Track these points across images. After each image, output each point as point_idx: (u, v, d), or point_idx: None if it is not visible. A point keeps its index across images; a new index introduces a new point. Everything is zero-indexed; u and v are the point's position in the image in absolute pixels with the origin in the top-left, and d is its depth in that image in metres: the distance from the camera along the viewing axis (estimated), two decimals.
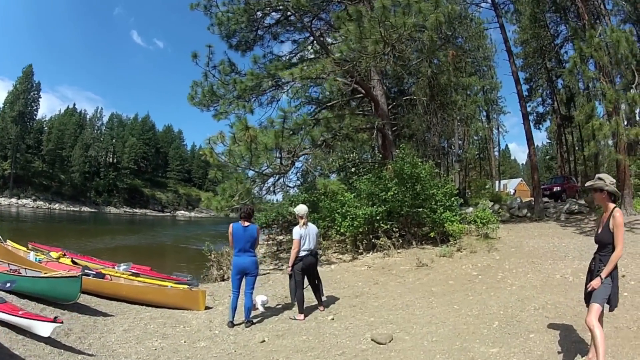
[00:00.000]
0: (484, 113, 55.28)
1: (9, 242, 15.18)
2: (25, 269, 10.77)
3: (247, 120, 14.72)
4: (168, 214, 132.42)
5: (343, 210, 17.20)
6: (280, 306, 10.76)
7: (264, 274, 15.41)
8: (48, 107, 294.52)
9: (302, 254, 9.57)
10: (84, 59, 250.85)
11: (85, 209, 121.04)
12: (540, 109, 52.68)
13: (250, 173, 16.64)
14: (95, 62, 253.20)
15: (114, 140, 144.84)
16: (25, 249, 15.02)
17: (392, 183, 17.19)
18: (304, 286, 9.73)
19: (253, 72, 19.26)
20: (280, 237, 23.03)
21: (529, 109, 47.66)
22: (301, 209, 9.89)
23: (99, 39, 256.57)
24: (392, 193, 16.92)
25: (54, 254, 14.15)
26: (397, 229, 16.77)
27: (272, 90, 20.17)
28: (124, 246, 35.89)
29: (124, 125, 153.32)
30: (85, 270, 11.58)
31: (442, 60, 27.47)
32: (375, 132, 20.24)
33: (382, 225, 16.83)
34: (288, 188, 22.71)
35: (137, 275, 13.30)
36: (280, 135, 15.07)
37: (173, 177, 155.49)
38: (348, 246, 17.60)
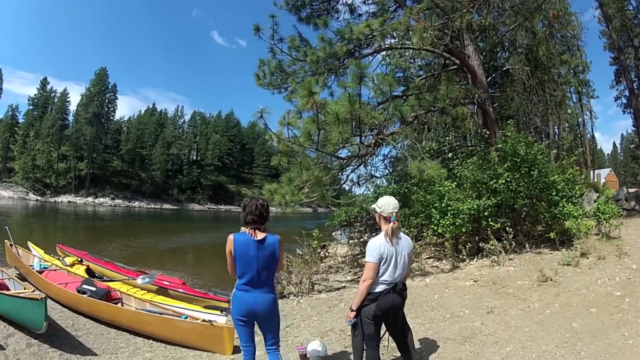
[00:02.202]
0: (574, 97, 50.95)
1: (29, 244, 14.60)
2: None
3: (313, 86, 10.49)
4: (280, 209, 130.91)
5: (442, 205, 13.09)
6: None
7: (337, 289, 12.25)
8: (130, 109, 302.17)
9: (379, 288, 5.14)
10: (165, 61, 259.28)
11: (167, 206, 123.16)
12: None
13: (326, 158, 13.01)
14: (177, 63, 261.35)
15: (197, 138, 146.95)
16: (42, 252, 13.86)
17: (503, 168, 13.45)
18: (381, 337, 5.44)
19: (324, 37, 16.24)
20: (365, 237, 19.34)
21: (616, 93, 49.32)
22: (387, 203, 5.29)
23: (180, 40, 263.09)
24: (503, 181, 13.07)
25: (68, 260, 12.57)
26: (510, 229, 12.93)
27: (348, 58, 16.50)
28: (194, 245, 34.74)
29: (207, 122, 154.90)
30: (84, 286, 9.83)
31: (537, 31, 24.56)
32: (475, 107, 16.85)
33: (491, 223, 12.93)
34: (374, 178, 19.25)
35: (163, 291, 11.11)
36: (357, 102, 10.83)
37: (259, 173, 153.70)
38: (447, 251, 13.90)
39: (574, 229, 12.38)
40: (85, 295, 9.36)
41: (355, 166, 14.78)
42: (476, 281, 11.13)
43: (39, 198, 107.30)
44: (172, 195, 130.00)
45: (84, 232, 43.67)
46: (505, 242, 12.63)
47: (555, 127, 44.83)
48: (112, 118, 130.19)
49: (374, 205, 5.51)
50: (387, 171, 20.73)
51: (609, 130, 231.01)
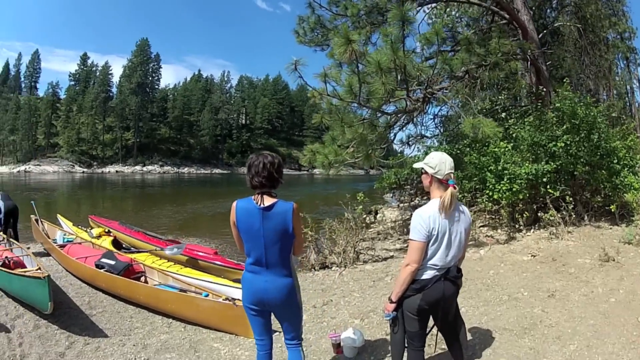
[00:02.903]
0: (622, 63, 49.45)
1: (59, 217, 14.63)
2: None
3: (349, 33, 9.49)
4: (305, 172, 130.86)
5: (497, 168, 11.87)
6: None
7: (384, 259, 11.27)
8: (176, 77, 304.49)
9: (426, 275, 3.84)
10: (209, 28, 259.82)
11: (217, 171, 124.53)
12: None
13: (370, 114, 12.22)
14: (221, 30, 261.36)
15: (245, 102, 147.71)
16: (70, 224, 13.72)
17: (561, 130, 12.21)
18: (427, 334, 4.20)
19: None
20: (416, 201, 18.92)
21: None
22: (443, 162, 3.92)
23: (222, 7, 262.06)
24: (562, 144, 11.77)
25: (95, 231, 12.10)
26: (570, 198, 11.70)
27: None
28: None
29: (255, 86, 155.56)
30: (102, 260, 9.20)
31: None
32: (528, 64, 15.60)
33: (549, 191, 11.74)
34: (424, 138, 18.41)
35: (193, 262, 10.71)
36: (401, 49, 9.61)
37: (310, 135, 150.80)
38: (503, 219, 12.80)
39: (635, 202, 11.48)
40: (102, 270, 8.83)
41: (403, 123, 14.04)
42: (534, 256, 10.15)
43: (85, 170, 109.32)
44: (222, 160, 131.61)
45: (131, 200, 43.66)
46: (564, 212, 11.54)
47: (604, 93, 43.68)
48: (157, 87, 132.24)
49: (421, 164, 3.96)
50: (437, 131, 19.89)
51: None
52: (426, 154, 17.19)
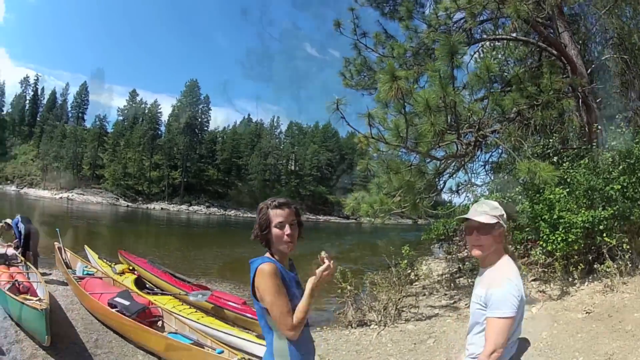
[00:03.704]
0: None
1: (86, 248, 15.02)
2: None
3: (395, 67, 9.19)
4: (353, 220, 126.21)
5: (552, 217, 11.02)
6: None
7: (428, 318, 10.70)
8: (226, 120, 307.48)
9: (507, 355, 3.01)
10: (259, 74, 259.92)
11: None
12: None
13: (418, 159, 11.73)
14: (274, 76, 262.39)
15: (294, 148, 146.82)
16: (96, 256, 14.10)
17: (617, 171, 11.42)
18: None
19: (409, 24, 15.18)
20: (464, 254, 18.08)
21: None
22: (503, 210, 3.31)
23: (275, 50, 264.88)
24: (618, 186, 10.95)
25: (119, 267, 12.30)
26: (627, 246, 10.68)
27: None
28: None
29: (305, 133, 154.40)
30: (117, 299, 8.97)
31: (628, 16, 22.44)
32: (579, 102, 14.70)
33: (606, 239, 10.70)
34: (474, 186, 17.80)
35: (219, 310, 10.56)
36: (451, 85, 9.17)
37: (359, 184, 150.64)
38: (557, 272, 11.49)
39: None
40: (114, 310, 8.56)
41: (453, 170, 13.55)
42: (589, 313, 9.25)
43: (129, 204, 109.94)
44: None
45: (172, 237, 44.25)
46: (620, 262, 10.60)
47: None
48: (206, 128, 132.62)
49: (491, 216, 3.16)
50: (488, 178, 19.37)
51: None
52: (475, 202, 16.70)
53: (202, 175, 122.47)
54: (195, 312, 9.70)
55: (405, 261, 12.10)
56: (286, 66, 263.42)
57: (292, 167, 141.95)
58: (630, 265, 10.59)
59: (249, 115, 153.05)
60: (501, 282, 2.97)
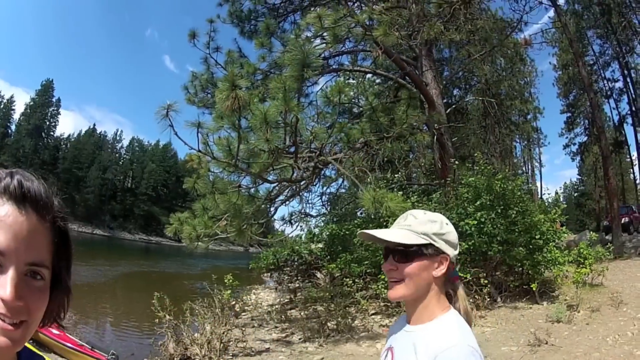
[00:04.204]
0: (519, 145, 51.31)
1: None
2: None
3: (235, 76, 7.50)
4: (184, 244, 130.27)
5: None
6: None
7: (258, 353, 9.87)
8: (74, 126, 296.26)
9: None
10: (111, 80, 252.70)
11: (98, 231, 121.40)
12: (580, 139, 52.04)
13: (247, 180, 10.60)
14: (124, 84, 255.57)
15: (133, 165, 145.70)
16: None
17: (474, 207, 11.50)
18: None
19: (264, 42, 14.21)
20: (296, 284, 17.75)
21: (565, 140, 52.59)
22: (453, 230, 1.96)
23: (130, 60, 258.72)
24: (475, 222, 11.07)
25: None
26: (485, 280, 11.05)
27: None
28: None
29: (145, 150, 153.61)
30: None
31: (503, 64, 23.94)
32: (434, 138, 14.64)
33: (460, 274, 10.43)
34: (308, 217, 17.03)
35: (35, 333, 8.31)
36: (295, 100, 8.03)
37: (191, 208, 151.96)
38: (403, 307, 11.02)
39: (560, 278, 11.67)
40: None
41: (287, 196, 12.59)
42: None
43: None
44: (104, 222, 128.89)
45: None
46: (476, 296, 10.97)
47: (509, 172, 44.93)
48: (52, 133, 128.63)
49: (423, 226, 1.88)
50: (324, 210, 18.88)
51: (552, 179, 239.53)
52: (310, 233, 15.77)
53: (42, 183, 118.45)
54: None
55: (229, 291, 11.24)
56: (141, 76, 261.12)
57: (129, 185, 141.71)
58: (488, 299, 11.17)
59: (94, 125, 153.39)
60: (463, 352, 1.75)
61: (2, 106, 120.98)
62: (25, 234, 1.02)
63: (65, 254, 1.17)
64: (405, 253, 1.83)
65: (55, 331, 9.20)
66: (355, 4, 15.98)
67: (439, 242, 1.85)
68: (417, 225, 1.86)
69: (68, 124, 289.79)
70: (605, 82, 44.13)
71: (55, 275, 1.13)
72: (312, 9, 14.70)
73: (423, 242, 1.82)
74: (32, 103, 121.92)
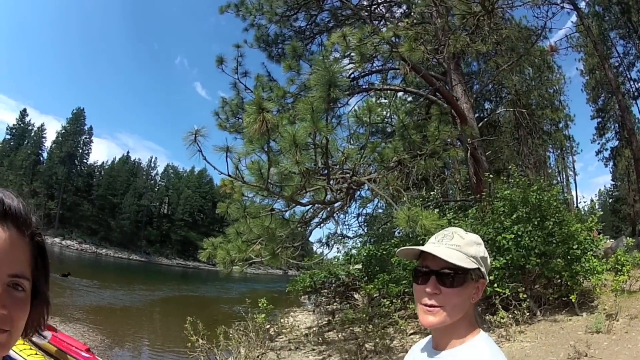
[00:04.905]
0: (553, 154, 50.59)
1: None
2: None
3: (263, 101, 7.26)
4: (221, 269, 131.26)
5: None
6: None
7: None
8: (108, 153, 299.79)
9: None
10: (144, 107, 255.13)
11: (134, 256, 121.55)
12: (612, 144, 51.76)
13: (280, 204, 10.31)
14: (156, 111, 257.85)
15: (169, 191, 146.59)
16: None
17: (510, 220, 11.21)
18: None
19: (292, 64, 13.99)
20: (334, 306, 17.62)
21: (597, 146, 51.97)
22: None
23: (162, 88, 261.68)
24: (512, 235, 10.79)
25: None
26: (524, 295, 10.58)
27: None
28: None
29: (180, 177, 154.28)
30: None
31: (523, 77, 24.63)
32: (467, 153, 14.40)
33: (498, 289, 10.62)
34: (345, 239, 16.92)
35: (62, 354, 9.54)
36: (324, 120, 7.73)
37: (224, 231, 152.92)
38: None
39: (598, 287, 11.01)
40: None
41: (321, 218, 12.25)
42: None
43: None
44: (140, 247, 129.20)
45: None
46: (515, 311, 10.48)
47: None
48: (85, 161, 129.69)
49: (471, 249, 1.82)
50: (361, 230, 18.70)
51: (587, 187, 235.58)
52: (347, 255, 15.63)
53: (77, 210, 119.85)
54: (36, 354, 8.62)
55: (263, 315, 11.20)
56: (173, 104, 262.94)
57: (165, 211, 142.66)
58: (527, 313, 10.66)
59: (128, 152, 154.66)
60: None
61: (33, 134, 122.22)
62: (7, 247, 1.11)
63: (43, 267, 1.26)
64: (453, 277, 1.73)
65: (84, 354, 9.37)
66: (381, 22, 15.98)
67: (483, 267, 1.80)
68: (465, 246, 1.77)
69: (101, 152, 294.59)
70: (631, 83, 43.65)
71: (34, 287, 1.21)
72: (337, 29, 14.58)
73: (474, 267, 1.74)
74: (63, 131, 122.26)
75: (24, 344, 8.79)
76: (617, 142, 49.23)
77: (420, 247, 1.80)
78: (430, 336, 1.98)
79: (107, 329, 16.34)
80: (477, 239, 1.85)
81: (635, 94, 43.36)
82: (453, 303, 1.71)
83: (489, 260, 1.86)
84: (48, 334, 9.94)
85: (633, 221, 49.13)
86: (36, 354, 8.56)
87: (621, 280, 10.76)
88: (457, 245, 1.76)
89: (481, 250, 1.81)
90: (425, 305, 1.75)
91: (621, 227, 68.72)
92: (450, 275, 1.71)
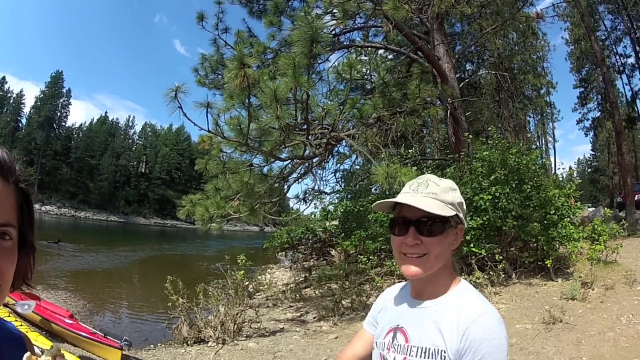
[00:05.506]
0: (532, 120, 50.93)
1: None
2: None
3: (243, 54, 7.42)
4: (199, 226, 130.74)
5: None
6: None
7: (272, 333, 9.90)
8: (86, 115, 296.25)
9: None
10: (122, 67, 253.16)
11: (112, 218, 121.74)
12: (594, 115, 52.26)
13: (259, 159, 10.32)
14: (135, 70, 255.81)
15: (146, 150, 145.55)
16: None
17: (488, 181, 11.31)
18: None
19: (274, 20, 14.22)
20: (311, 263, 17.65)
21: (579, 115, 52.49)
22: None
23: (140, 46, 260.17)
24: (489, 197, 10.89)
25: None
26: (500, 256, 10.84)
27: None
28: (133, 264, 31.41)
29: (158, 135, 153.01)
30: None
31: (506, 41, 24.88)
32: (447, 112, 14.28)
33: (474, 250, 10.71)
34: (322, 195, 16.96)
35: (47, 323, 9.28)
36: (306, 76, 7.64)
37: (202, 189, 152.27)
38: None
39: (574, 254, 11.35)
40: None
41: (299, 173, 12.23)
42: None
43: None
44: (118, 208, 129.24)
45: None
46: (491, 272, 10.78)
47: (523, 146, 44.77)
48: (64, 124, 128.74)
49: (447, 195, 1.79)
50: (338, 186, 18.67)
51: (566, 154, 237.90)
52: (325, 210, 15.63)
53: (56, 174, 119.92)
54: (21, 325, 8.61)
55: (242, 272, 11.02)
56: (152, 62, 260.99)
57: (143, 170, 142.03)
58: (503, 275, 11.02)
59: (105, 113, 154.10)
60: (485, 323, 1.64)
61: (12, 101, 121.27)
62: None
63: (28, 215, 1.24)
64: (432, 225, 1.71)
65: (68, 320, 9.14)
66: None
67: (461, 213, 1.78)
68: (442, 193, 1.75)
69: (80, 114, 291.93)
70: (617, 57, 43.99)
71: (20, 235, 1.18)
72: None
73: (452, 214, 1.72)
74: (42, 95, 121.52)
75: (9, 315, 8.92)
76: (599, 113, 49.76)
77: (396, 199, 1.78)
78: (403, 284, 2.02)
79: (88, 293, 16.28)
80: (452, 184, 1.84)
81: (621, 68, 43.91)
82: (435, 252, 1.70)
83: (464, 204, 1.85)
84: (32, 302, 9.77)
85: (611, 193, 49.99)
86: (21, 325, 8.54)
87: (597, 249, 11.01)
88: (433, 193, 1.75)
89: (457, 196, 1.81)
90: (407, 255, 1.73)
91: (599, 198, 70.87)
92: (429, 224, 1.70)
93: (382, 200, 1.82)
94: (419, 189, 1.77)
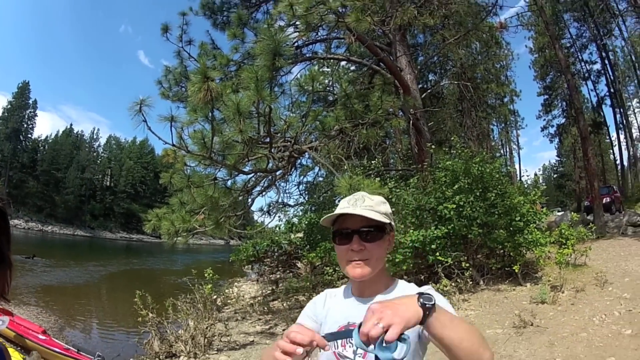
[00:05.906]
0: (496, 128, 51.40)
1: None
2: None
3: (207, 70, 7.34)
4: (166, 240, 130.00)
5: None
6: None
7: (243, 346, 9.88)
8: (52, 126, 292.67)
9: None
10: (87, 78, 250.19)
11: (79, 232, 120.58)
12: (558, 121, 53.46)
13: (223, 173, 10.27)
14: (99, 81, 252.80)
15: (111, 163, 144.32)
16: None
17: (452, 190, 11.45)
18: None
19: (236, 32, 14.27)
20: (277, 275, 17.75)
21: (543, 122, 53.64)
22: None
23: (105, 57, 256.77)
24: (454, 205, 11.02)
25: None
26: (466, 264, 10.94)
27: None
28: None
29: (122, 148, 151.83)
30: None
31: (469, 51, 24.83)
32: (409, 124, 14.77)
33: (440, 258, 10.81)
34: (286, 207, 17.06)
35: (21, 339, 8.98)
36: (268, 90, 7.69)
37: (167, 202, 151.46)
38: None
39: (542, 259, 11.38)
40: None
41: (263, 186, 12.40)
42: None
43: None
44: (85, 222, 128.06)
45: None
46: (458, 280, 10.95)
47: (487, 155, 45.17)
48: (30, 135, 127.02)
49: (381, 207, 2.06)
50: (302, 199, 18.89)
51: (531, 161, 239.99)
52: (289, 223, 15.62)
53: (23, 187, 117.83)
54: None
55: (210, 286, 11.17)
56: (116, 73, 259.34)
57: (108, 183, 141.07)
58: (470, 282, 11.05)
59: (71, 125, 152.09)
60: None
61: None
62: None
63: (5, 231, 1.25)
64: (372, 233, 1.96)
65: (41, 336, 9.08)
66: None
67: (392, 221, 2.08)
68: (376, 205, 2.01)
69: (45, 125, 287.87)
70: (582, 64, 44.89)
71: None
72: None
73: (387, 222, 1.99)
74: (9, 106, 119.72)
75: None
76: (564, 119, 50.49)
77: (342, 211, 2.02)
78: (343, 287, 2.24)
79: (59, 309, 16.25)
80: (382, 198, 2.11)
81: (586, 74, 44.93)
82: (376, 255, 1.97)
83: (392, 215, 2.13)
84: (6, 318, 9.74)
85: (578, 197, 50.52)
86: None
87: (566, 253, 11.05)
88: (369, 206, 1.99)
89: (388, 208, 2.09)
90: (353, 261, 1.97)
91: (566, 202, 71.07)
92: (370, 232, 1.96)
93: (328, 215, 2.07)
94: (357, 203, 2.01)
